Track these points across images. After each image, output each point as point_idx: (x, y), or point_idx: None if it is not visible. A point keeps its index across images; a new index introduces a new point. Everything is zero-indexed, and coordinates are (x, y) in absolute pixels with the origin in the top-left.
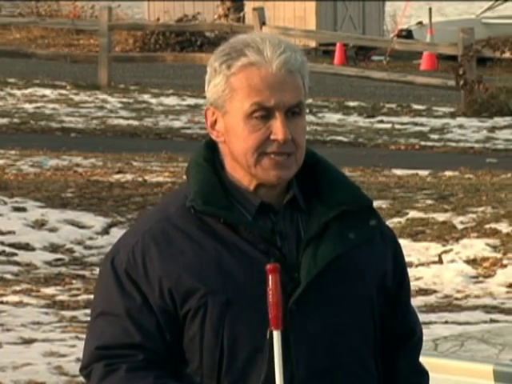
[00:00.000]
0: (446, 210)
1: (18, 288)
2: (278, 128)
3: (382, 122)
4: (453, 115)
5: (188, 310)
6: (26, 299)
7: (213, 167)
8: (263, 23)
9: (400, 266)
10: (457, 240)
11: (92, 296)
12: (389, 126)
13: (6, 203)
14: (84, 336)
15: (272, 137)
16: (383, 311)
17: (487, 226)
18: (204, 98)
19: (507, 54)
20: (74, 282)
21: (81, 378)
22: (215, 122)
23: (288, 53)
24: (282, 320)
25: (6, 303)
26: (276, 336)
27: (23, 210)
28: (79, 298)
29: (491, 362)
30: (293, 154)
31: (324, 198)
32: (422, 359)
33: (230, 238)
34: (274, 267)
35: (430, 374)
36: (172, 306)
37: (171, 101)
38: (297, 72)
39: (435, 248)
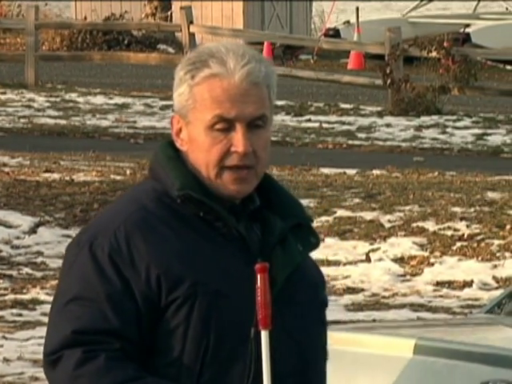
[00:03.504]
0: (373, 209)
1: None
2: (238, 140)
3: (309, 120)
4: (380, 114)
5: (175, 298)
6: None
7: (184, 165)
8: (191, 22)
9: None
10: (384, 239)
11: (19, 296)
12: (316, 124)
13: None
14: (11, 336)
15: (232, 149)
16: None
17: (414, 225)
18: (132, 97)
19: (434, 53)
20: (0, 281)
21: (8, 379)
22: (180, 130)
23: (252, 64)
24: (272, 320)
25: None
26: (264, 336)
27: None
28: (6, 297)
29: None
30: (253, 167)
31: (277, 209)
32: (343, 333)
33: (208, 232)
34: (264, 267)
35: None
36: (156, 293)
37: (98, 100)
38: (261, 84)
39: (363, 247)
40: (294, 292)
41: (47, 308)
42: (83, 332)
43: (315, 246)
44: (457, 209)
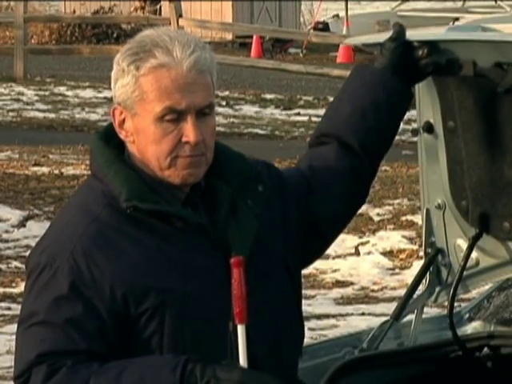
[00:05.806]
0: None
1: None
2: (189, 130)
3: (298, 114)
4: None
5: (145, 310)
6: None
7: (126, 164)
8: (180, 16)
9: (288, 185)
10: (373, 232)
11: (8, 289)
12: (306, 118)
13: None
14: (0, 330)
15: (184, 139)
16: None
17: (403, 218)
18: None
19: None
20: None
21: None
22: (123, 121)
23: (198, 52)
24: (247, 314)
25: None
26: (240, 330)
27: None
28: None
29: None
30: (204, 154)
31: (221, 172)
32: None
33: (166, 230)
34: (239, 260)
35: None
36: (123, 309)
37: (87, 93)
38: (206, 71)
39: (352, 240)
40: (255, 263)
41: None
42: (48, 354)
43: (264, 193)
44: None
